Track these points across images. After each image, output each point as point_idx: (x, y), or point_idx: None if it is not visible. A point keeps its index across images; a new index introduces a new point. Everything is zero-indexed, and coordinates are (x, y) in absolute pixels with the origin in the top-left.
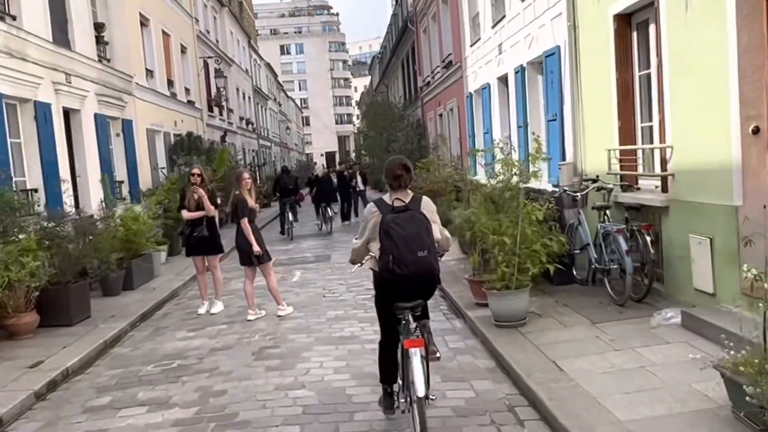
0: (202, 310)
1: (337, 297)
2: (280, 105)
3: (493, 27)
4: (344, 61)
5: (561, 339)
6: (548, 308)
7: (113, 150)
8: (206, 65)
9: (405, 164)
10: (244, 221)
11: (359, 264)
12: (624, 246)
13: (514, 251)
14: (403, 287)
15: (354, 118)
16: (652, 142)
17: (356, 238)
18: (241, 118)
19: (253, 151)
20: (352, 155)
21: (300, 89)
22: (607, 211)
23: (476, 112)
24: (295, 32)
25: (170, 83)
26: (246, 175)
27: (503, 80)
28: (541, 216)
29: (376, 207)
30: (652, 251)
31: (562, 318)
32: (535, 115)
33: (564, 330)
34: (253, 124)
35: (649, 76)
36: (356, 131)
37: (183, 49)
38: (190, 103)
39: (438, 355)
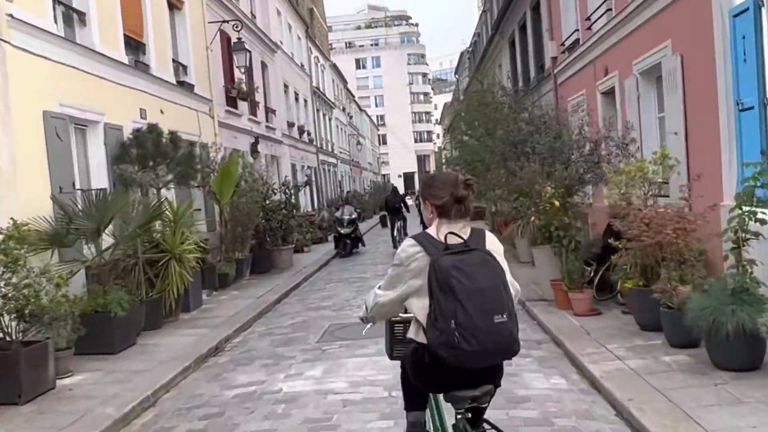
0: None
1: None
2: (350, 117)
3: None
4: (424, 75)
5: None
6: None
7: None
8: (226, 39)
9: (467, 181)
10: None
11: (371, 324)
12: None
13: None
14: (467, 370)
15: (434, 137)
16: None
17: (381, 288)
18: (291, 125)
19: (308, 167)
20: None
21: (376, 105)
22: None
23: None
24: (372, 45)
25: (133, 45)
26: None
27: None
28: None
29: (420, 245)
30: None
31: None
32: None
33: None
34: (309, 134)
35: None
36: (437, 149)
37: (175, 4)
38: (183, 85)
39: None
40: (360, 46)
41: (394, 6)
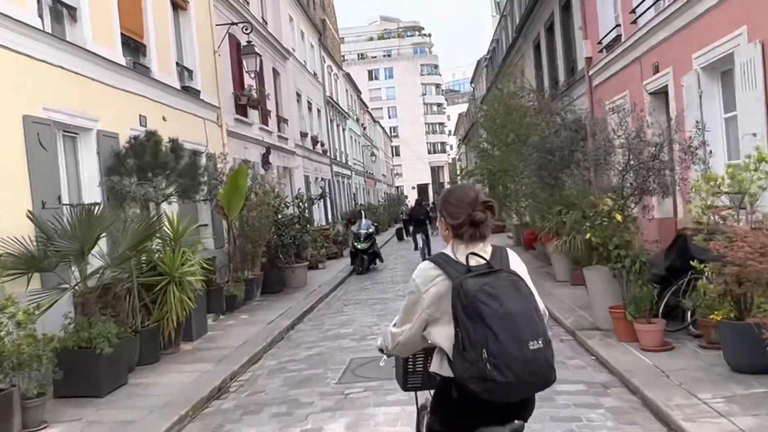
0: None
1: None
2: (364, 128)
3: None
4: (437, 85)
5: None
6: None
7: None
8: (236, 44)
9: (487, 202)
10: None
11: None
12: None
13: None
14: (498, 405)
15: (448, 148)
16: None
17: (396, 324)
18: (304, 135)
19: (322, 179)
20: (447, 186)
21: (389, 117)
22: None
23: None
24: (384, 56)
25: (132, 45)
26: None
27: None
28: None
29: (438, 267)
30: None
31: None
32: None
33: None
34: (323, 145)
35: None
36: (451, 161)
37: (179, 4)
38: (189, 91)
39: None
40: (372, 57)
41: (406, 17)
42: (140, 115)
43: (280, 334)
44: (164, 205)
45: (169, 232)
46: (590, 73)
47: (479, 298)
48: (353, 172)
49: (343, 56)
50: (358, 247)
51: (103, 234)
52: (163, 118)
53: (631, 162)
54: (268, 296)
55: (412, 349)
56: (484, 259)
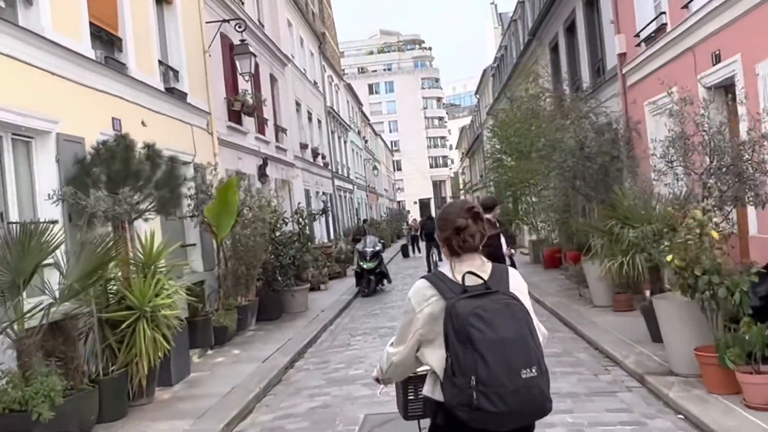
0: None
1: None
2: (366, 141)
3: None
4: (438, 99)
5: None
6: None
7: None
8: (228, 45)
9: (471, 208)
10: None
11: (384, 385)
12: None
13: None
14: None
15: (449, 162)
16: None
17: (393, 344)
18: (304, 146)
19: (324, 194)
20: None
21: (390, 131)
22: None
23: None
24: (385, 69)
25: (105, 38)
26: None
27: None
28: None
29: (433, 287)
30: None
31: None
32: None
33: None
34: (324, 158)
35: None
36: (453, 175)
37: None
38: (174, 93)
39: None
40: (373, 71)
41: (406, 30)
42: (113, 118)
43: (277, 376)
44: (141, 223)
45: (140, 255)
46: (624, 71)
47: (470, 322)
48: (355, 186)
49: (343, 70)
50: (364, 266)
51: (46, 261)
52: (143, 123)
53: (719, 164)
54: (264, 324)
55: (405, 371)
56: (482, 278)
